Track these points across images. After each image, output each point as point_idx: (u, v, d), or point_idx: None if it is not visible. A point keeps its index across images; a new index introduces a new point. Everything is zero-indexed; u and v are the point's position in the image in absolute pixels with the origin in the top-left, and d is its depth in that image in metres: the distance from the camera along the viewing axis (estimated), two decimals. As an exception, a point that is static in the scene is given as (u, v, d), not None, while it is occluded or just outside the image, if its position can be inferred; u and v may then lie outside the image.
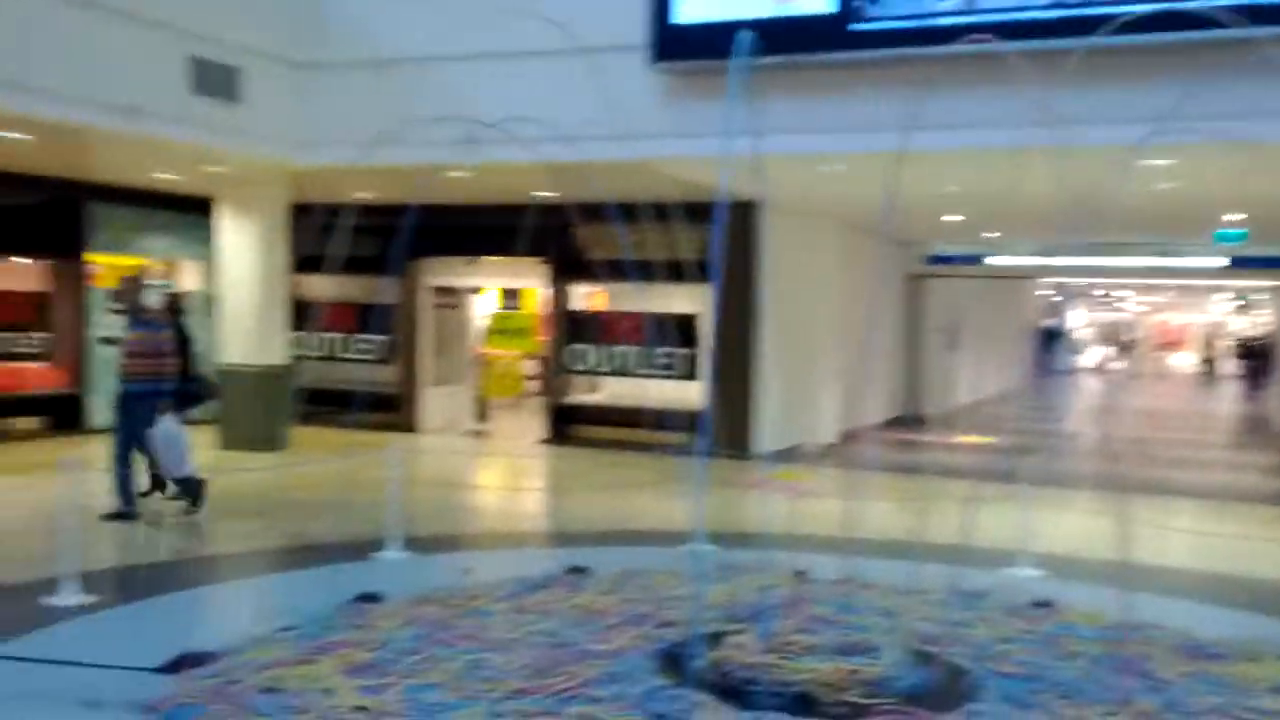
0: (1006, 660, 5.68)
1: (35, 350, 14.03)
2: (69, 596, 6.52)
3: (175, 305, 10.39)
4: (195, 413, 10.25)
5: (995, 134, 8.81)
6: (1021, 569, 8.14)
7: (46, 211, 14.26)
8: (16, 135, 10.44)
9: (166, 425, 8.77)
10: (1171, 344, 49.37)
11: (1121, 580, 7.23)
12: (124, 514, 8.78)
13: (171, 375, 9.02)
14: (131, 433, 8.90)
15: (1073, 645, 5.98)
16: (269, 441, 12.97)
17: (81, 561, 6.83)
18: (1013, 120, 8.48)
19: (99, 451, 12.68)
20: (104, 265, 15.70)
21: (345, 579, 6.68)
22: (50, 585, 6.65)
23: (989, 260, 20.42)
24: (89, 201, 14.37)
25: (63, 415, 14.15)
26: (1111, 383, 36.16)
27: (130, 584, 7.22)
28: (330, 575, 6.48)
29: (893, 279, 19.54)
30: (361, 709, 4.73)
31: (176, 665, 5.29)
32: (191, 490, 9.21)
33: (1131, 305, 46.82)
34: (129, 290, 9.41)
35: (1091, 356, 44.95)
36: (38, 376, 14.00)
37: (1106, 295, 41.41)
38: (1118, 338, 48.99)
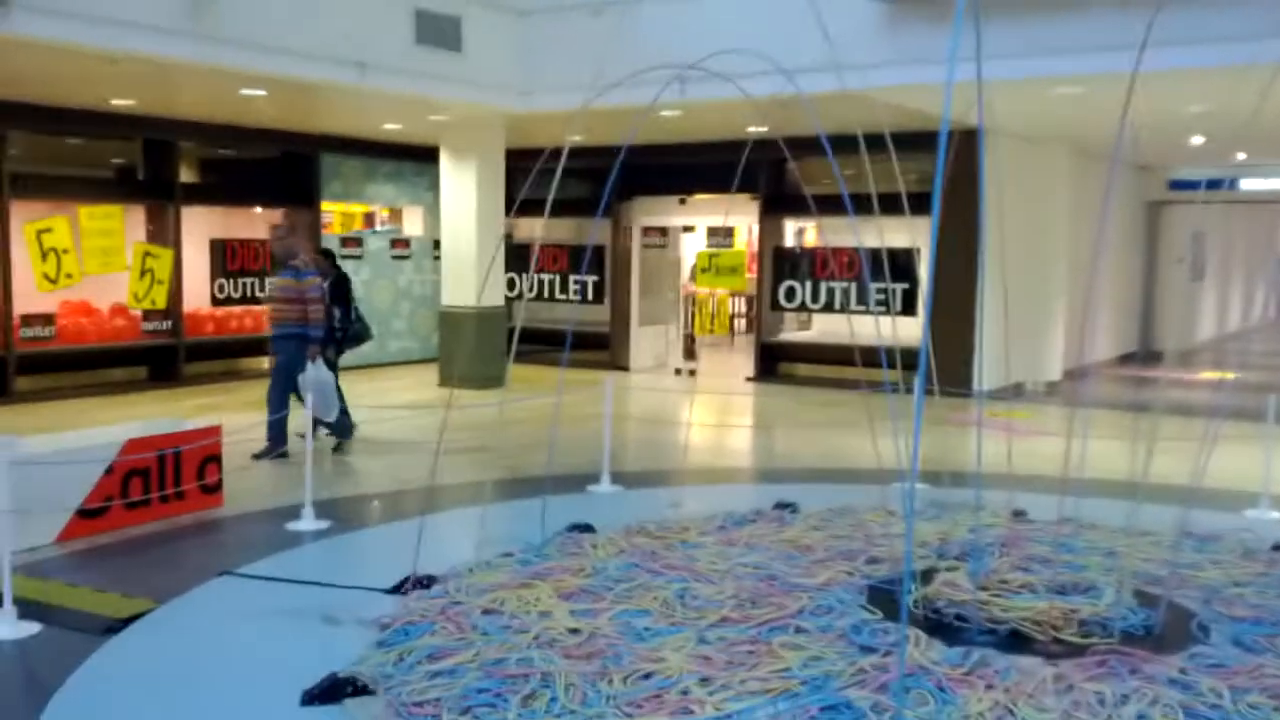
0: (1238, 603, 5.37)
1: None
2: (308, 522, 7.00)
3: (330, 253, 10.53)
4: (349, 354, 10.48)
5: (1239, 49, 8.15)
6: (1263, 511, 7.66)
7: (283, 164, 15.15)
8: (257, 92, 11.07)
9: (314, 371, 8.83)
10: None
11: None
12: (269, 452, 9.04)
13: (317, 321, 9.07)
14: (279, 375, 9.12)
15: (1316, 591, 5.59)
16: (486, 379, 13.47)
17: (318, 490, 7.32)
18: (1257, 33, 7.80)
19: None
20: (336, 212, 16.61)
21: (559, 510, 6.89)
22: (291, 512, 7.16)
23: (1240, 184, 18.92)
24: (322, 152, 15.17)
25: (297, 355, 15.08)
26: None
27: (360, 512, 7.69)
28: (545, 506, 6.70)
29: (1131, 206, 18.46)
30: (575, 631, 4.90)
31: (405, 587, 5.61)
32: (341, 432, 9.53)
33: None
34: (276, 238, 9.56)
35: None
36: (272, 319, 14.94)
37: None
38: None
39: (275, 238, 9.62)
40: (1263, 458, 7.82)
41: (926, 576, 5.40)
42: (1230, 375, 16.21)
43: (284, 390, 9.12)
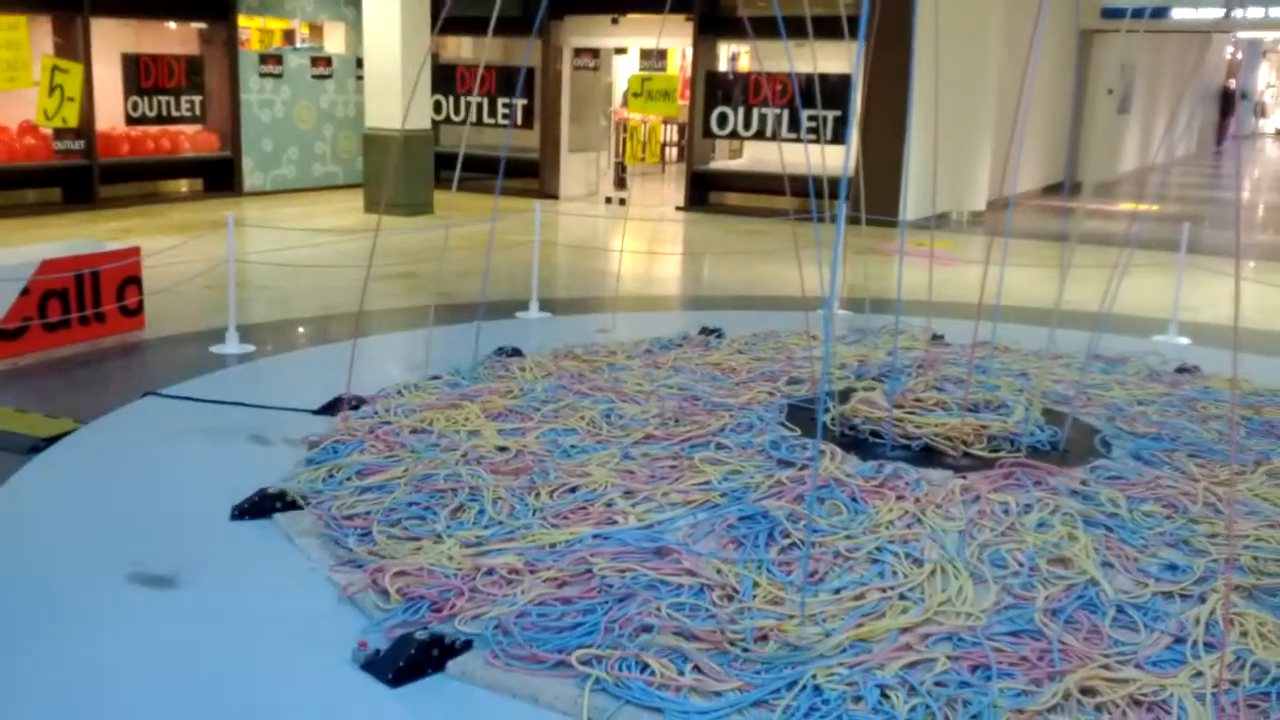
0: (1140, 420, 5.62)
1: (188, 114, 14.41)
2: (232, 346, 6.96)
3: None
4: None
5: None
6: (1170, 336, 7.95)
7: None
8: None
9: None
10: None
11: (1277, 348, 7.01)
12: None
13: None
14: None
15: (1211, 408, 5.87)
16: (413, 206, 13.28)
17: (242, 314, 7.25)
18: None
19: (253, 213, 13.24)
20: (253, 29, 15.92)
21: (488, 335, 6.92)
22: (216, 335, 7.11)
23: (1172, 14, 18.79)
24: (242, -37, 14.44)
25: (216, 177, 14.69)
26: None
27: (286, 336, 7.66)
28: (474, 331, 6.72)
29: (1063, 34, 18.33)
30: (503, 449, 5.00)
31: (333, 407, 5.65)
32: None
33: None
34: None
35: (1275, 120, 41.92)
36: (191, 140, 14.45)
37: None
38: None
39: None
40: (1174, 285, 8.07)
41: (845, 396, 5.56)
42: (1150, 207, 16.52)
43: None
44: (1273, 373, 6.60)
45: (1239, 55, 34.52)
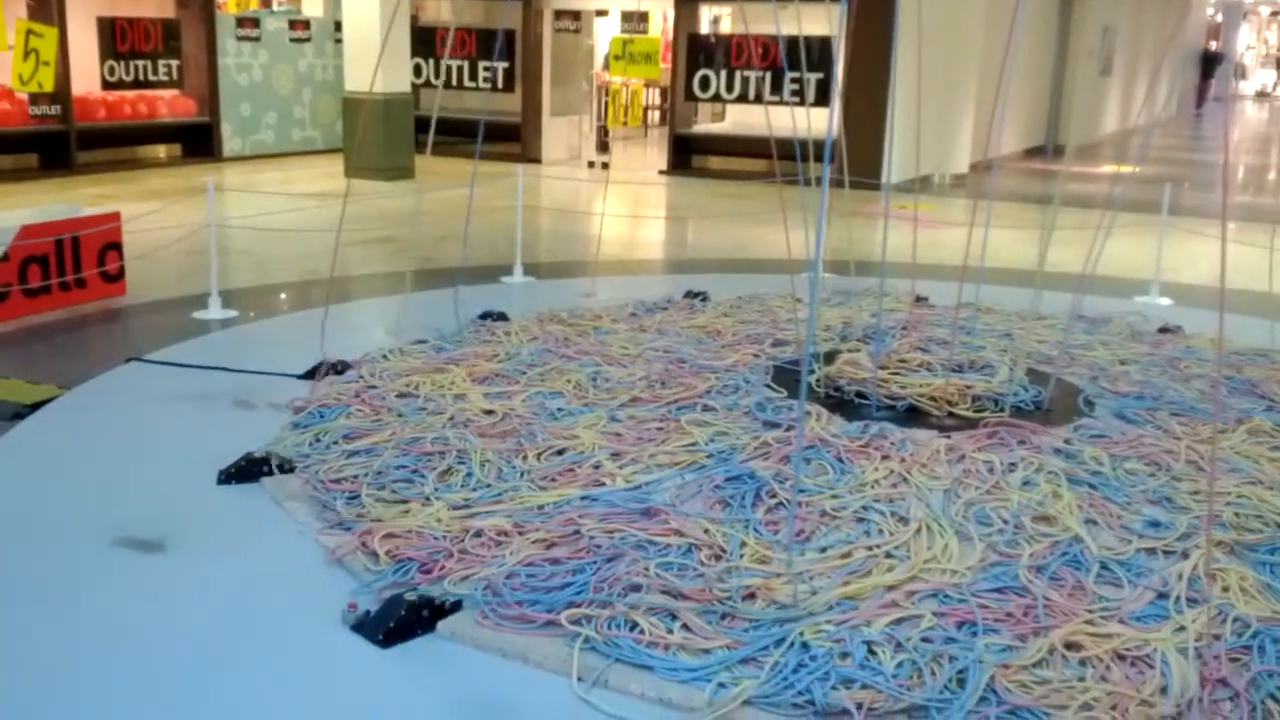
0: (1123, 380, 5.67)
1: (165, 79, 14.22)
2: (215, 311, 6.92)
3: None
4: None
5: None
6: (1153, 297, 7.99)
7: (170, -63, 14.20)
8: None
9: None
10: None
11: (1257, 309, 7.06)
12: None
13: None
14: None
15: (1193, 368, 5.91)
16: (394, 170, 13.19)
17: (224, 280, 7.21)
18: None
19: (232, 178, 13.14)
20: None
21: (472, 300, 6.90)
22: (198, 301, 7.06)
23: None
24: (212, -75, 14.24)
25: (194, 143, 14.55)
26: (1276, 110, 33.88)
27: (268, 301, 7.62)
28: (456, 295, 6.69)
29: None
30: (490, 412, 4.99)
31: (318, 372, 5.62)
32: None
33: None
34: None
35: (1255, 83, 41.99)
36: (169, 105, 14.29)
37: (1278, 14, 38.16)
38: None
39: None
40: (1156, 247, 8.10)
41: (830, 358, 5.57)
42: (1134, 169, 16.55)
43: None
44: (1254, 332, 6.65)
45: (1219, 17, 34.56)
